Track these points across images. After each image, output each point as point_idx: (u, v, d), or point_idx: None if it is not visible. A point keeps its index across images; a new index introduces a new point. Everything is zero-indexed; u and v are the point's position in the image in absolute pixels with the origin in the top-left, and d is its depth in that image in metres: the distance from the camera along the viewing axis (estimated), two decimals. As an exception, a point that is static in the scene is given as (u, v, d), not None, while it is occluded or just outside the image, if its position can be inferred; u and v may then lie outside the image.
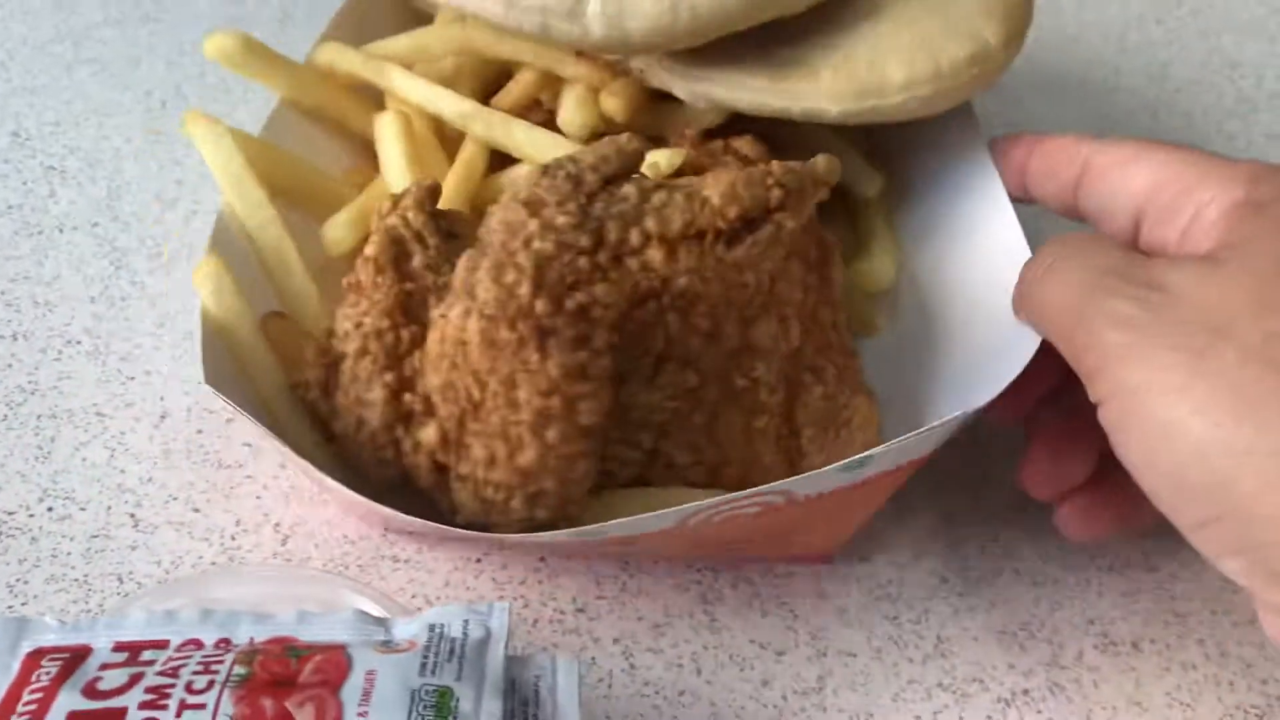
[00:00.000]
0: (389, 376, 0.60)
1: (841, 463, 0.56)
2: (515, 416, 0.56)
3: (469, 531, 0.60)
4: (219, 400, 0.60)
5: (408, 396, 0.60)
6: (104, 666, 0.51)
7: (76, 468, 0.72)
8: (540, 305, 0.55)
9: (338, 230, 0.73)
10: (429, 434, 0.59)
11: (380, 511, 0.60)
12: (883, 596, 0.66)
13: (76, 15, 1.10)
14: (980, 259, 0.71)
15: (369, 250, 0.64)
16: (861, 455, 0.56)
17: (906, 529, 0.69)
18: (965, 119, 0.78)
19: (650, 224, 0.57)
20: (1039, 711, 0.61)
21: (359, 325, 0.62)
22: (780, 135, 0.78)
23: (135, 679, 0.50)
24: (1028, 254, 0.65)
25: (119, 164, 0.94)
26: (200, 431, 0.74)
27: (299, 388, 0.64)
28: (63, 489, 0.70)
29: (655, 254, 0.57)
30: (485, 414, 0.57)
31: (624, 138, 0.61)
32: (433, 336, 0.59)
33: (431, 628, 0.53)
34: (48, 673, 0.50)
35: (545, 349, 0.55)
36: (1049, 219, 0.83)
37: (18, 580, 0.66)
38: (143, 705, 0.48)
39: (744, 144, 0.73)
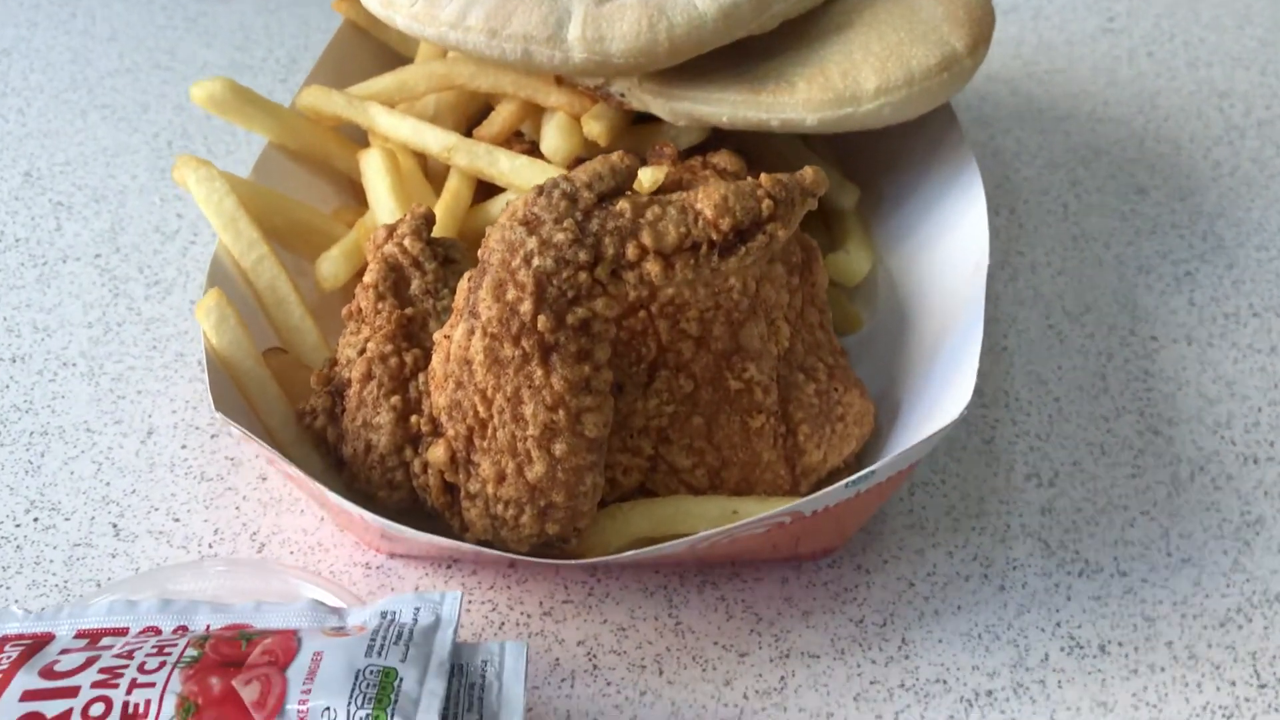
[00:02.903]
0: (395, 399, 0.62)
1: (844, 482, 0.58)
2: (522, 432, 0.58)
3: (481, 548, 0.60)
4: (230, 426, 0.61)
5: (414, 418, 0.62)
6: (64, 651, 0.52)
7: (64, 481, 0.73)
8: (542, 321, 0.56)
9: (331, 265, 0.75)
10: (438, 453, 0.60)
11: (391, 530, 0.60)
12: (848, 600, 0.66)
13: (92, 66, 1.14)
14: (951, 255, 0.74)
15: (368, 278, 0.65)
16: (864, 472, 0.58)
17: (876, 536, 0.69)
18: (949, 129, 0.80)
19: (646, 238, 0.58)
20: (1002, 712, 0.61)
21: (362, 351, 0.64)
22: (757, 152, 0.80)
23: (91, 661, 0.51)
24: (985, 255, 0.67)
25: (123, 199, 0.97)
26: (184, 447, 0.75)
27: (305, 415, 0.66)
28: (49, 500, 0.72)
29: (652, 267, 0.58)
30: (492, 431, 0.58)
31: (616, 155, 0.62)
32: (437, 357, 0.60)
33: (383, 614, 0.54)
34: (8, 657, 0.52)
35: (549, 364, 0.57)
36: (1030, 221, 0.85)
37: (0, 585, 0.67)
38: (95, 684, 0.49)
39: (722, 158, 0.75)
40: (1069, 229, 0.93)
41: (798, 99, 0.71)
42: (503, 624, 0.65)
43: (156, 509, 0.72)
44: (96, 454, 0.75)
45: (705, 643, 0.64)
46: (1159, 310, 0.85)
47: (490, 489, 0.58)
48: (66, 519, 0.71)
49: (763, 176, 0.59)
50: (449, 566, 0.68)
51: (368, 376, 0.61)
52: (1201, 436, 0.76)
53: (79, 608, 0.55)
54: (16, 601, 0.66)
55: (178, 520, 0.71)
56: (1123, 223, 0.94)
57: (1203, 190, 0.97)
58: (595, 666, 0.63)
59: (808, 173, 0.61)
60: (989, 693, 0.62)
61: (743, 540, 0.59)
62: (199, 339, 0.82)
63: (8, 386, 0.80)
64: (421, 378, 0.61)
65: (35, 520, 0.71)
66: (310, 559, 0.68)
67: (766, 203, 0.58)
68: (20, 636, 0.54)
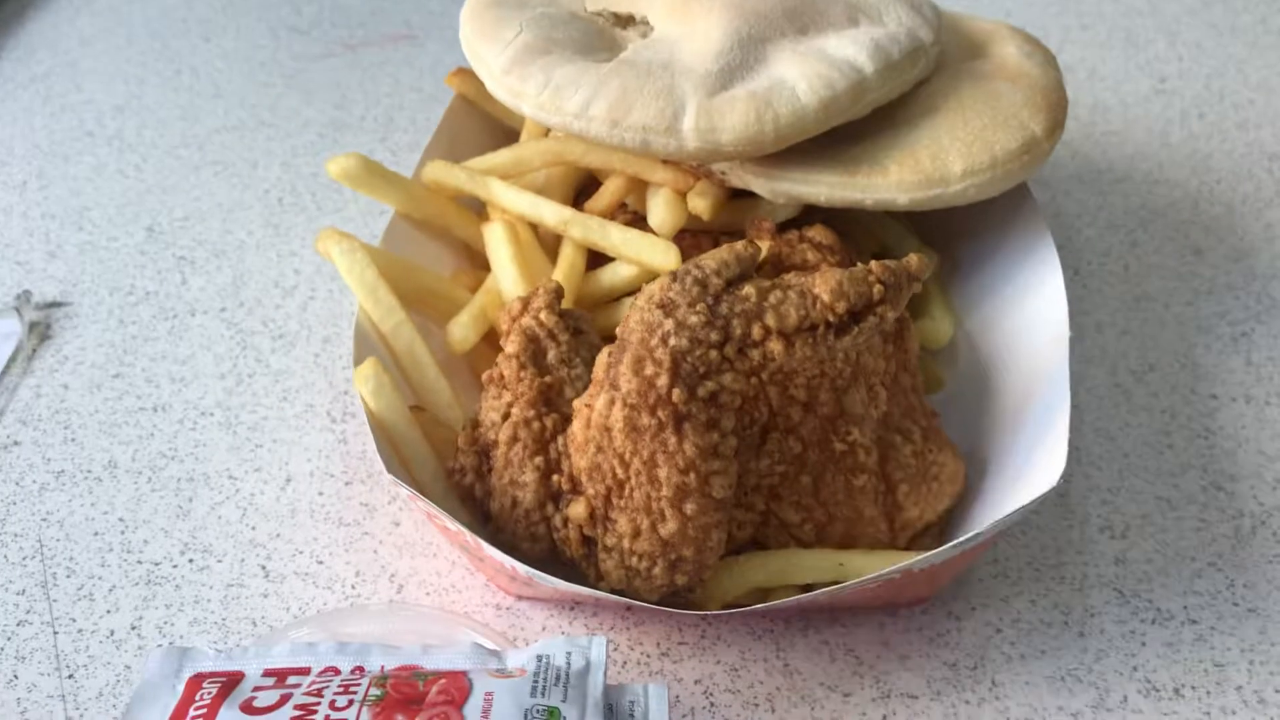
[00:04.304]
0: (538, 460, 0.69)
1: (953, 543, 0.64)
2: (657, 493, 0.64)
3: (618, 596, 0.67)
4: (400, 487, 0.67)
5: (555, 477, 0.68)
6: (257, 689, 0.59)
7: (213, 525, 0.80)
8: (677, 394, 0.63)
9: (461, 330, 0.81)
10: (578, 510, 0.67)
11: (538, 579, 0.66)
12: (942, 645, 0.72)
13: (200, 123, 1.22)
14: (1029, 320, 0.80)
15: (510, 348, 0.72)
16: (971, 535, 0.64)
17: (964, 585, 0.75)
18: (1023, 200, 0.87)
19: (770, 320, 0.65)
20: (1087, 749, 0.67)
21: (506, 416, 0.70)
22: (845, 225, 0.86)
23: (285, 698, 0.57)
24: (1065, 324, 0.73)
25: (242, 255, 1.04)
26: (321, 494, 0.82)
27: (454, 473, 0.72)
28: (201, 543, 0.79)
29: (775, 346, 0.66)
30: (629, 491, 0.65)
31: (740, 245, 0.70)
32: (578, 423, 0.67)
33: (539, 658, 0.60)
34: (209, 692, 0.58)
35: (682, 432, 0.63)
36: (1094, 282, 0.91)
37: (165, 622, 0.74)
38: (294, 719, 0.56)
39: (817, 232, 0.81)
40: (1130, 289, 0.99)
41: (890, 181, 0.78)
42: (624, 663, 0.71)
43: (300, 552, 0.78)
44: (240, 500, 0.82)
45: (812, 683, 0.70)
46: (1218, 370, 0.91)
47: (626, 543, 0.65)
48: (219, 560, 0.78)
49: (873, 263, 0.66)
50: (571, 609, 0.74)
51: (514, 439, 0.68)
52: (1262, 492, 0.81)
53: (263, 649, 0.62)
54: (181, 638, 0.73)
55: (321, 563, 0.77)
56: (1181, 283, 1.00)
57: (1256, 252, 1.03)
58: (713, 704, 0.69)
59: (913, 260, 0.67)
60: (1074, 732, 0.68)
61: (856, 592, 0.66)
62: (325, 390, 0.90)
63: (153, 435, 0.87)
64: (560, 440, 0.68)
65: (190, 561, 0.78)
66: (446, 599, 0.75)
67: (877, 287, 0.65)
68: (214, 674, 0.60)
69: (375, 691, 0.57)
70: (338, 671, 0.60)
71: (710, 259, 0.65)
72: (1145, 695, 0.69)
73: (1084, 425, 0.87)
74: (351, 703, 0.56)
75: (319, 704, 0.57)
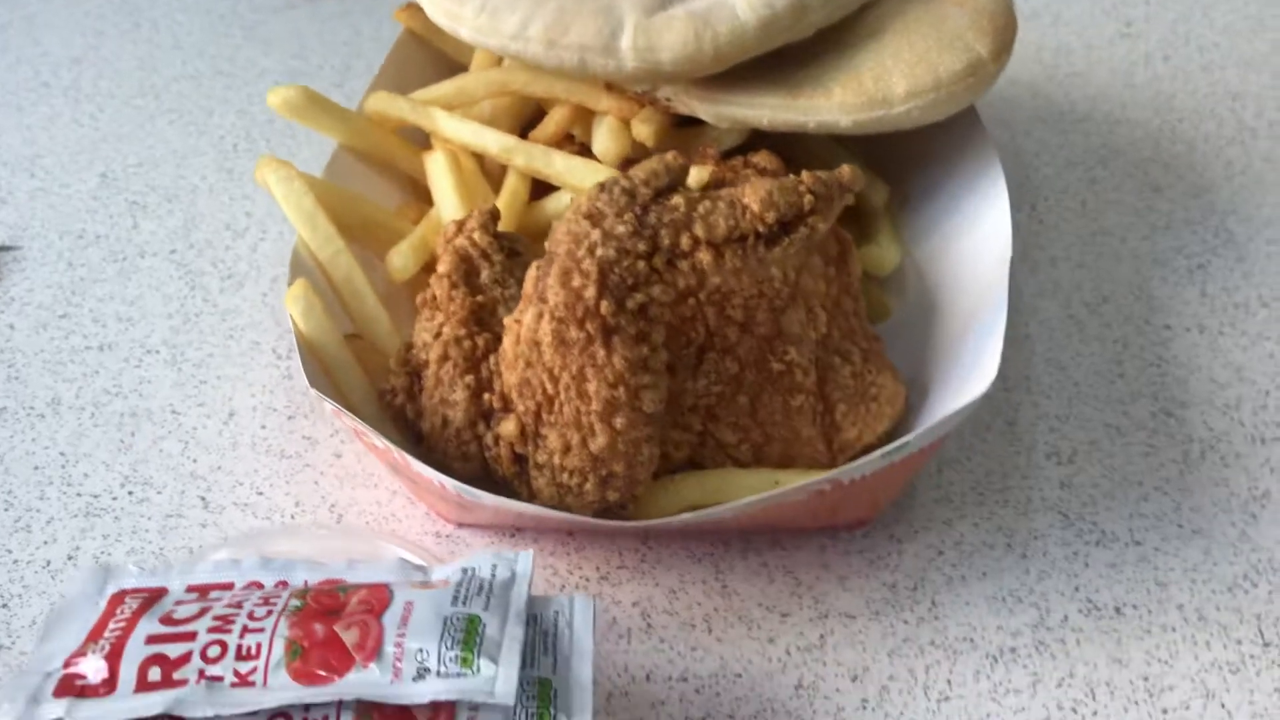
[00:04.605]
0: (469, 378, 0.68)
1: (881, 451, 0.63)
2: (586, 407, 0.63)
3: (551, 511, 0.66)
4: (324, 401, 0.67)
5: (487, 396, 0.68)
6: (178, 603, 0.58)
7: (154, 458, 0.79)
8: (605, 306, 0.62)
9: (401, 258, 0.81)
10: (509, 427, 0.66)
11: (467, 495, 0.65)
12: (882, 567, 0.72)
13: (157, 73, 1.21)
14: (975, 248, 0.80)
15: (442, 268, 0.71)
16: (899, 442, 0.63)
17: (906, 509, 0.75)
18: (973, 129, 0.86)
19: (699, 230, 0.64)
20: (1025, 667, 0.66)
21: (438, 335, 0.69)
22: (793, 153, 0.85)
23: (204, 610, 0.57)
24: (1008, 250, 0.73)
25: (194, 199, 1.03)
26: (264, 427, 0.81)
27: (386, 394, 0.71)
28: (141, 476, 0.78)
29: (704, 256, 0.65)
30: (559, 406, 0.64)
31: (669, 155, 0.69)
32: (507, 339, 0.66)
33: (464, 570, 0.59)
34: (130, 607, 0.58)
35: (611, 345, 0.63)
36: (1050, 218, 0.90)
37: (102, 552, 0.73)
38: (211, 630, 0.55)
39: (761, 158, 0.80)
40: (1087, 225, 0.98)
41: (833, 102, 0.77)
42: (564, 586, 0.71)
43: (241, 484, 0.78)
44: (183, 434, 0.81)
45: (750, 604, 0.70)
46: (1172, 301, 0.90)
47: (557, 459, 0.64)
48: (159, 493, 0.77)
49: (804, 173, 0.65)
50: (513, 536, 0.74)
51: (444, 358, 0.67)
52: (1212, 418, 0.81)
53: (187, 566, 0.61)
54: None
55: (261, 494, 0.77)
56: (1138, 219, 0.99)
57: (1215, 188, 1.02)
58: (649, 625, 0.69)
59: (845, 170, 0.66)
60: (1012, 650, 0.67)
61: (785, 506, 0.65)
62: (272, 329, 0.89)
63: (97, 372, 0.86)
64: (492, 359, 0.67)
65: (130, 494, 0.77)
66: (385, 529, 0.74)
67: (808, 197, 0.64)
68: (137, 590, 0.59)
69: (295, 603, 0.56)
70: (261, 586, 0.60)
71: (639, 170, 0.65)
72: (1086, 614, 0.69)
73: (1035, 356, 0.86)
74: (270, 613, 0.56)
75: (238, 614, 0.56)
